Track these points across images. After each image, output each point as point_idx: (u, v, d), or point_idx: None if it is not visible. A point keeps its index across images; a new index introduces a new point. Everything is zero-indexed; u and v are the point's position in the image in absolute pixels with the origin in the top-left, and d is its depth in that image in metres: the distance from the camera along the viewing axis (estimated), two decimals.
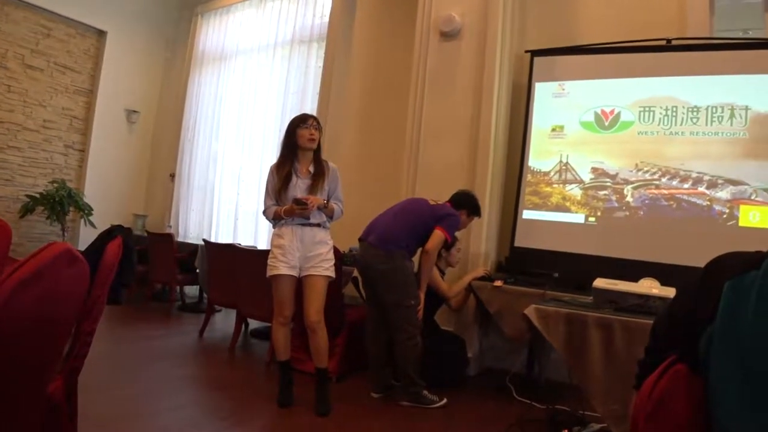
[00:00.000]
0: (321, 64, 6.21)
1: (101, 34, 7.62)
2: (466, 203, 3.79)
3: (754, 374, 0.58)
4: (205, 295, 5.92)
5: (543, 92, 4.60)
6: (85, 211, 7.02)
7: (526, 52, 4.70)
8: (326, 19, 6.25)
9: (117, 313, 5.41)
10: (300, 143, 3.27)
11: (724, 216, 3.89)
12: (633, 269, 3.62)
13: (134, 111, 7.95)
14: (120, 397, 3.17)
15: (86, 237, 6.73)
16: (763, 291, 0.60)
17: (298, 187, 3.25)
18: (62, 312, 1.39)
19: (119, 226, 6.45)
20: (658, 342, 0.79)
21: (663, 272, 3.43)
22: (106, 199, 7.56)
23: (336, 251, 3.45)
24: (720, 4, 4.50)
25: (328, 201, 3.30)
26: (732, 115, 3.93)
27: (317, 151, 3.36)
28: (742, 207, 3.84)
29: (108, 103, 7.65)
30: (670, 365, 0.71)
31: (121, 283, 5.86)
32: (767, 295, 0.59)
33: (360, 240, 3.66)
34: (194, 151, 7.55)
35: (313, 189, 3.25)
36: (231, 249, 4.83)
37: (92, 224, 6.92)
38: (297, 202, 3.13)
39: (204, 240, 5.47)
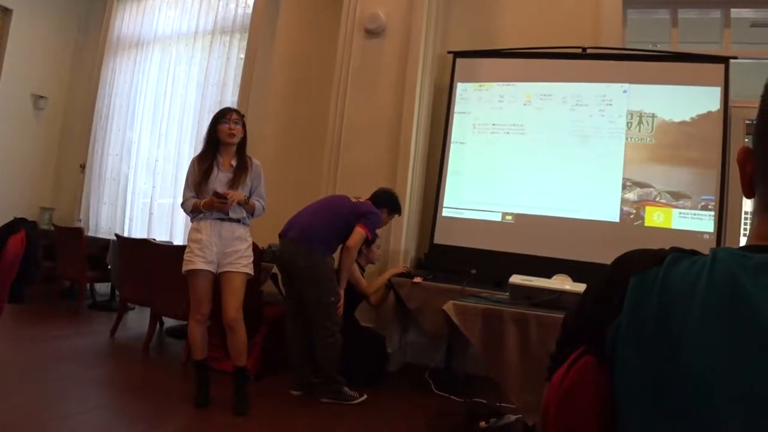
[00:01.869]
0: (243, 55, 6.07)
1: (6, 11, 7.06)
2: (386, 201, 3.81)
3: (654, 369, 0.61)
4: (117, 293, 5.67)
5: (464, 92, 4.69)
6: None
7: (449, 53, 4.79)
8: (249, 9, 6.11)
9: (20, 312, 5.06)
10: (220, 138, 3.21)
11: (631, 216, 4.10)
12: (547, 266, 3.77)
13: (42, 96, 7.44)
14: (23, 401, 2.97)
15: None
16: (664, 286, 0.63)
17: (219, 181, 3.18)
18: None
19: (23, 219, 5.97)
20: (567, 335, 0.81)
21: (575, 269, 3.59)
22: (9, 190, 7.03)
23: (255, 247, 3.39)
24: (631, 17, 4.77)
25: (249, 197, 3.24)
26: (641, 122, 4.15)
27: (241, 146, 3.29)
28: (648, 208, 4.07)
29: (12, 87, 7.09)
30: (578, 357, 0.73)
31: (24, 280, 5.49)
32: (667, 290, 0.63)
33: (280, 236, 3.61)
34: (107, 141, 7.16)
35: (234, 183, 3.19)
36: (145, 244, 4.65)
37: None
38: (217, 195, 3.07)
39: (116, 235, 5.22)
